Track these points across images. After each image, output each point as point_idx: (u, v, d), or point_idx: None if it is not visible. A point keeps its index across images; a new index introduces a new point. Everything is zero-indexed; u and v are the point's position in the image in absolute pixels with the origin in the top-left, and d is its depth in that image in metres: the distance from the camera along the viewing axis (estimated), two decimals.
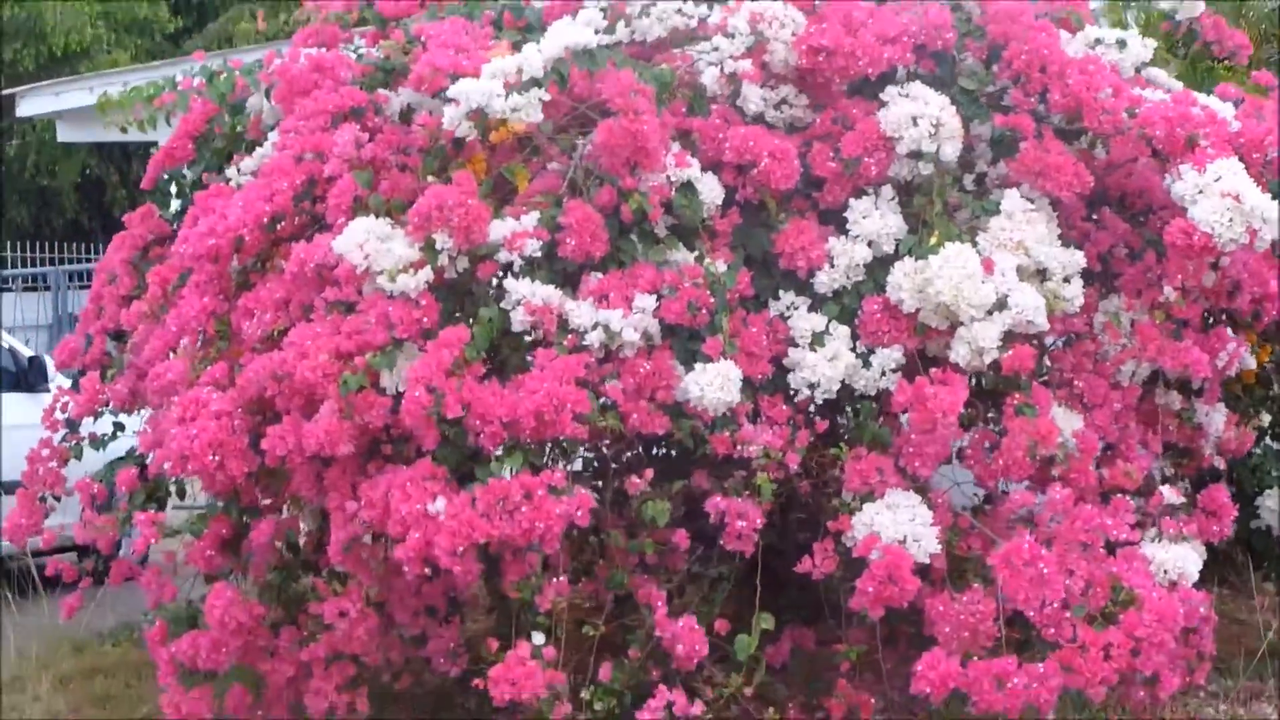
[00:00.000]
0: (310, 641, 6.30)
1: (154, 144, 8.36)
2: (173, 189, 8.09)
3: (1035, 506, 6.06)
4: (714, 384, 5.94)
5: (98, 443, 7.49)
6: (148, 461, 6.94)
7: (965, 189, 6.57)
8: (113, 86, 9.16)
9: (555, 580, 5.83)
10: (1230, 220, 6.01)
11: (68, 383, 8.38)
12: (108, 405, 7.44)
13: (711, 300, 6.10)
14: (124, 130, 8.10)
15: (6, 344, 11.76)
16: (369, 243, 6.21)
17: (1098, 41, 6.73)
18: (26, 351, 12.05)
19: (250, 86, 7.51)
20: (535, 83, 6.27)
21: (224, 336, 6.73)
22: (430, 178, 6.47)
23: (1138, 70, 6.81)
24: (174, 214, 7.81)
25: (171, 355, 6.84)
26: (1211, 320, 6.80)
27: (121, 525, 6.91)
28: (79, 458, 7.48)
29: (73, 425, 7.47)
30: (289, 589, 6.55)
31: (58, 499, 7.36)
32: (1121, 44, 6.71)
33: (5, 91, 17.88)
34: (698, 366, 6.00)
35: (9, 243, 24.79)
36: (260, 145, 7.55)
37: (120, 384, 7.39)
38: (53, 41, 27.39)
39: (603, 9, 6.73)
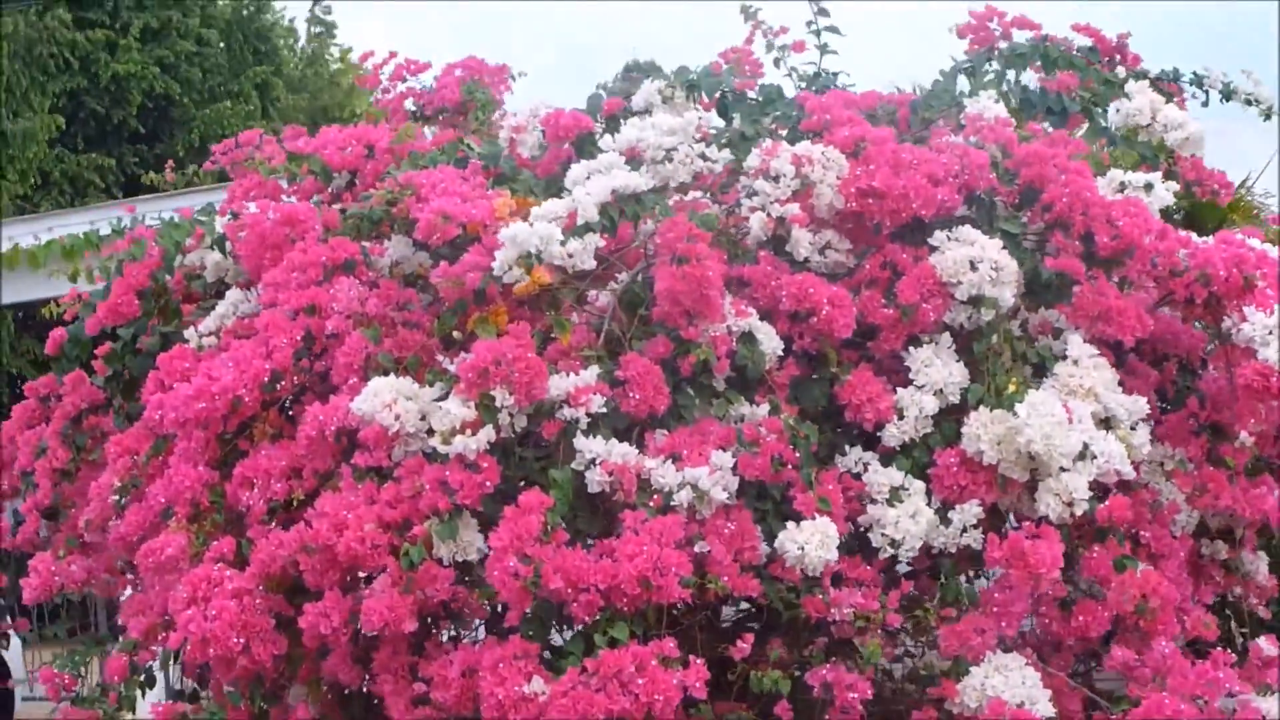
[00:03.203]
0: None
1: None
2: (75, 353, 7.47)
3: (1135, 663, 5.78)
4: (813, 542, 5.59)
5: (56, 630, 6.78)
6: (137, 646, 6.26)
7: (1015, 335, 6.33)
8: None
9: None
10: None
11: None
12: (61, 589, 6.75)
13: (796, 455, 5.76)
14: (74, 280, 7.44)
15: None
16: (399, 402, 5.75)
17: (1124, 185, 6.60)
18: None
19: (207, 235, 6.96)
20: (589, 228, 5.90)
21: (218, 509, 6.14)
22: (455, 334, 6.07)
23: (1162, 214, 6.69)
24: (106, 380, 7.17)
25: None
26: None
27: (109, 716, 6.24)
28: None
29: (24, 611, 6.76)
30: None
31: None
32: (1149, 187, 6.58)
33: None
34: (790, 525, 5.65)
35: None
36: (202, 302, 7.06)
37: (74, 564, 6.71)
38: None
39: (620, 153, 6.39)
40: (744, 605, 6.47)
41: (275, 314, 6.24)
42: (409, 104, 8.66)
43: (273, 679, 5.97)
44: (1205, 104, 7.89)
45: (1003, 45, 7.67)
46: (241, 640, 5.69)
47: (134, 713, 6.31)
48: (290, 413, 6.50)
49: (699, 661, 5.31)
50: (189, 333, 6.77)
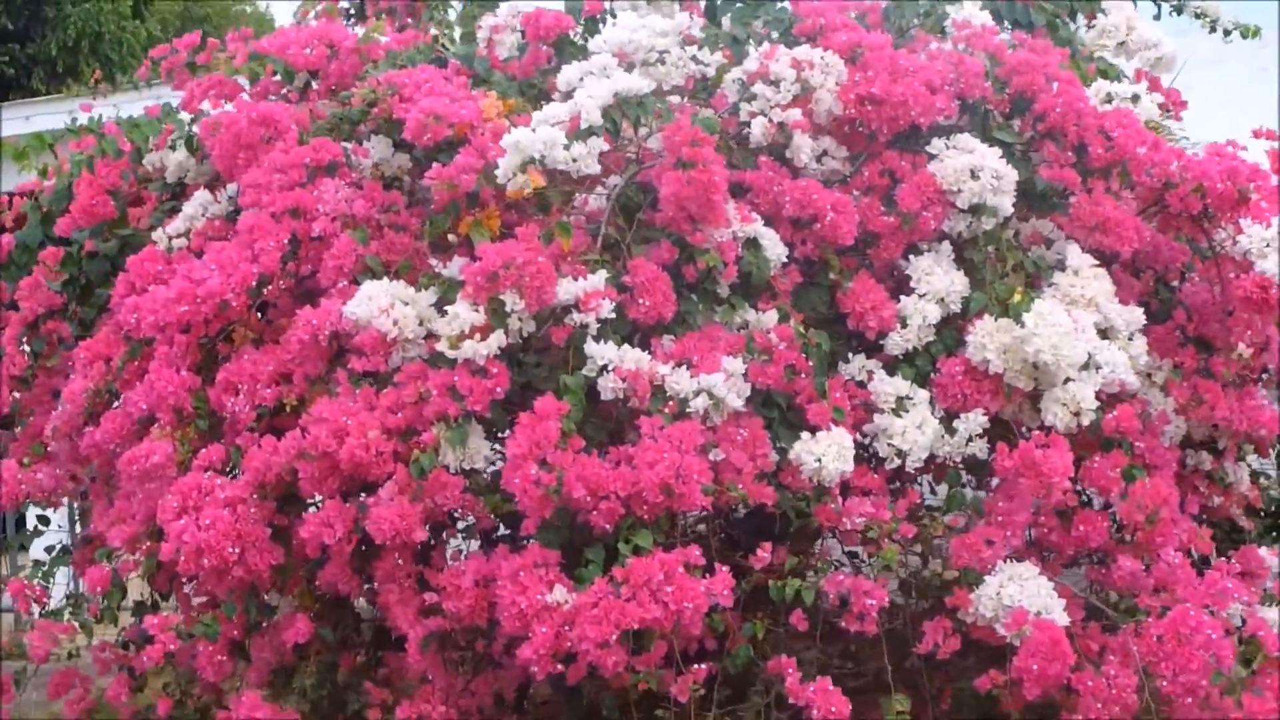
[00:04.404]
0: None
1: None
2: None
3: (1142, 574, 5.79)
4: (830, 453, 5.54)
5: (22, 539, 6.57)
6: (114, 555, 6.07)
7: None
8: None
9: (696, 666, 5.32)
10: None
11: None
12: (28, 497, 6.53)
13: (810, 364, 5.70)
14: (42, 175, 7.17)
15: None
16: (396, 307, 5.62)
17: (1110, 96, 6.57)
18: None
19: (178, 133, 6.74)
20: (591, 131, 5.77)
21: (202, 415, 5.96)
22: (451, 236, 5.93)
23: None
24: (63, 284, 6.92)
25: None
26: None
27: (87, 629, 6.06)
28: None
29: None
30: (336, 697, 5.82)
31: None
32: (1135, 98, 6.57)
33: None
34: (804, 435, 5.60)
35: None
36: (160, 204, 6.85)
37: (40, 472, 6.50)
38: None
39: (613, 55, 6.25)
40: (739, 514, 6.39)
41: (259, 215, 6.06)
42: (343, 2, 8.46)
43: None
44: (1157, 16, 7.89)
45: None
46: (236, 550, 5.55)
47: (116, 624, 6.12)
48: (268, 317, 6.31)
49: (725, 569, 5.23)
50: (157, 234, 6.54)
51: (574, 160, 5.72)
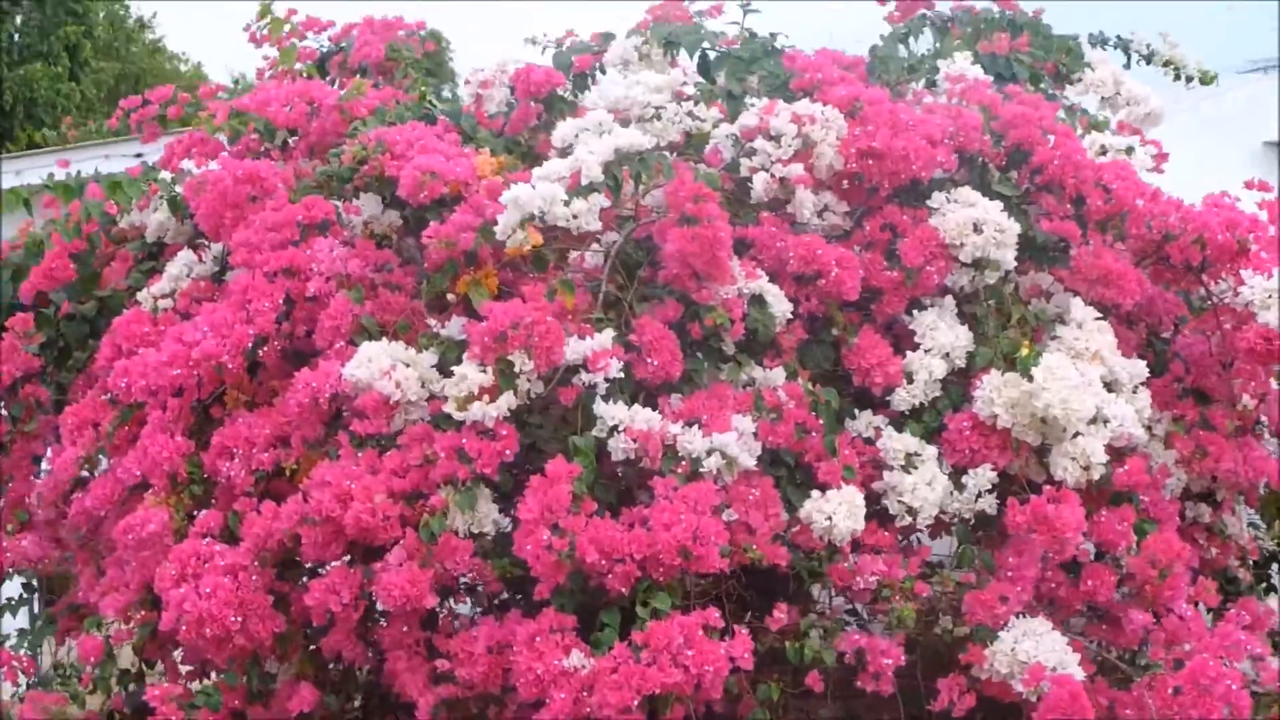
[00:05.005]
0: None
1: None
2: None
3: (1154, 627, 5.75)
4: (841, 512, 5.49)
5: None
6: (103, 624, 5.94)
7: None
8: None
9: None
10: None
11: None
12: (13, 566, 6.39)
13: (820, 422, 5.64)
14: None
15: None
16: (398, 369, 5.53)
17: (1105, 148, 6.56)
18: None
19: (161, 193, 6.63)
20: (592, 187, 5.71)
21: (196, 480, 5.85)
22: (450, 295, 5.85)
23: None
24: (40, 347, 6.79)
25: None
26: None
27: (79, 699, 5.93)
28: None
29: None
30: None
31: None
32: (1130, 150, 6.56)
33: None
34: (814, 493, 5.55)
35: None
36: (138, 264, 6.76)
37: (25, 540, 6.36)
38: None
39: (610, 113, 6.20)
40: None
41: (252, 276, 5.96)
42: (306, 64, 8.37)
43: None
44: (1127, 65, 7.88)
45: (932, 12, 7.63)
46: (239, 619, 5.44)
47: (109, 695, 5.99)
48: (258, 379, 6.20)
49: (744, 631, 5.16)
50: (141, 295, 6.44)
51: (574, 217, 5.66)
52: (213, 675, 6.02)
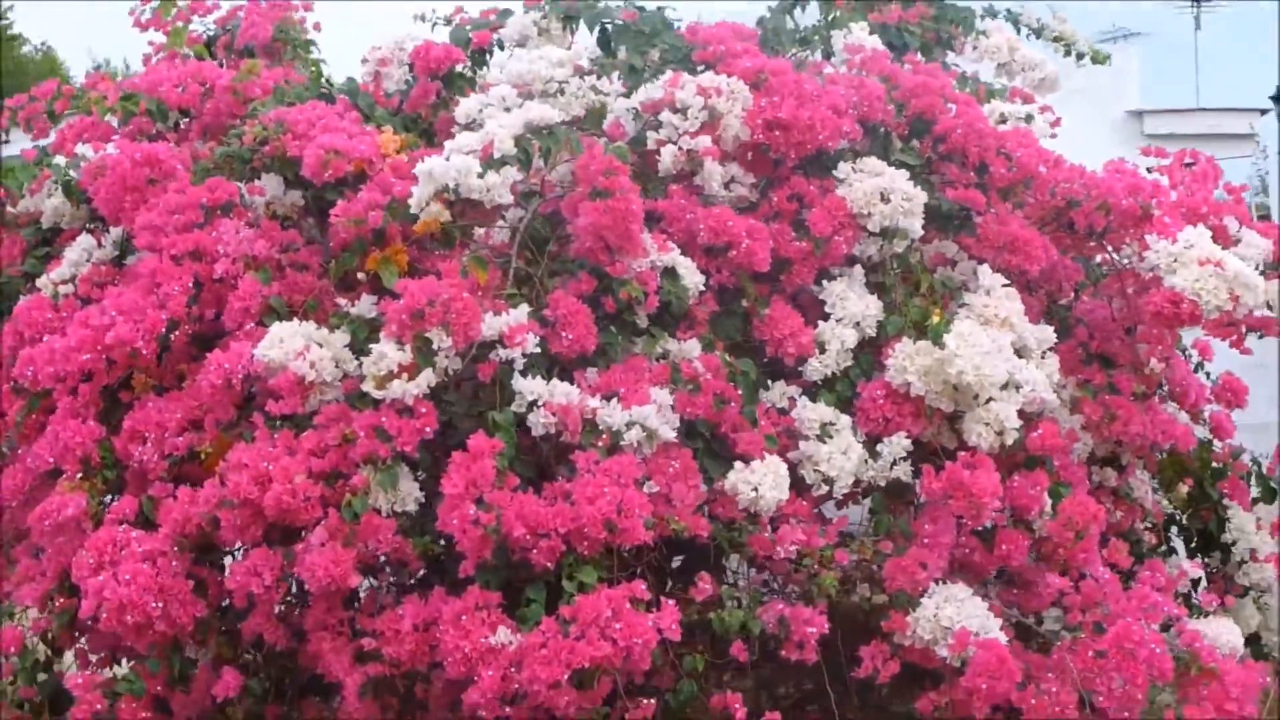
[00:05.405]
0: None
1: None
2: None
3: (1068, 590, 5.80)
4: (766, 482, 5.49)
5: None
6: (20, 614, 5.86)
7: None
8: None
9: (644, 702, 5.22)
10: (1215, 287, 5.95)
11: None
12: None
13: (738, 392, 5.65)
14: None
15: None
16: (311, 350, 5.48)
17: (1004, 116, 6.62)
18: None
19: (55, 178, 6.52)
20: (504, 161, 5.67)
21: (109, 465, 5.77)
22: (360, 274, 5.81)
23: None
24: None
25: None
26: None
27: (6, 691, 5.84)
28: None
29: None
30: None
31: None
32: (1029, 118, 6.62)
33: None
34: (738, 464, 5.54)
35: None
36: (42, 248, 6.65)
37: None
38: None
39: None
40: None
41: (159, 259, 5.87)
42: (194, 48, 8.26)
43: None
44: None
45: None
46: (159, 604, 5.36)
47: (32, 684, 5.88)
48: (164, 362, 6.11)
49: (670, 603, 5.16)
50: (41, 281, 6.33)
51: (488, 190, 5.62)
52: (124, 662, 5.95)
